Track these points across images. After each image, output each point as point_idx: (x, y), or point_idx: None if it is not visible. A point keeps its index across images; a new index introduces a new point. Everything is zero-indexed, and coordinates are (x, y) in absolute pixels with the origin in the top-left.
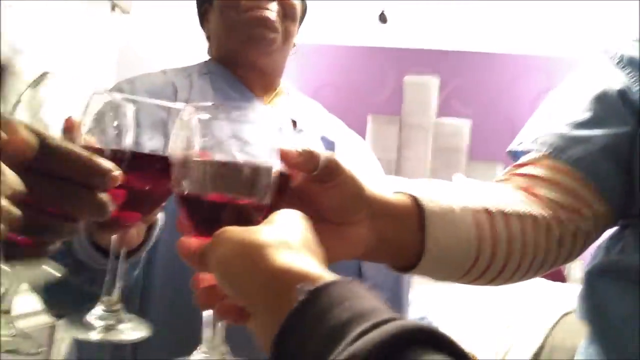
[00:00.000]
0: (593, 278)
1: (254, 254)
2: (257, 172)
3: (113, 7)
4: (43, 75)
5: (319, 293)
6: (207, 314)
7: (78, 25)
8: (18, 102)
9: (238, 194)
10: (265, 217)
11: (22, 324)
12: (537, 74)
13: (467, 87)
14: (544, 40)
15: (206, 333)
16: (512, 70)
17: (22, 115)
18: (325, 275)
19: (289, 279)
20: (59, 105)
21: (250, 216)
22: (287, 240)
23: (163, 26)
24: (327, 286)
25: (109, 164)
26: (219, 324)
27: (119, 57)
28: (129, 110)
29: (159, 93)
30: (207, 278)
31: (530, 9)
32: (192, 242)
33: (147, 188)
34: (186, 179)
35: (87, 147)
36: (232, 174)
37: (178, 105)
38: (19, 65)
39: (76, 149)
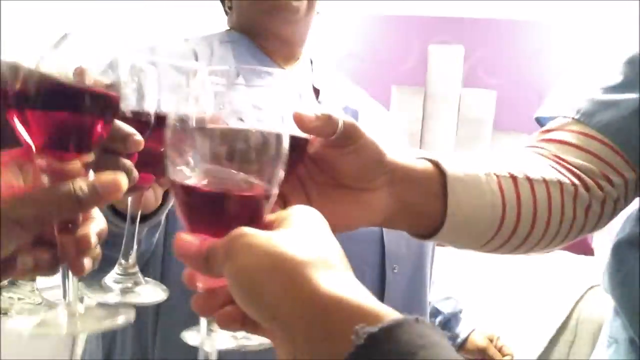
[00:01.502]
0: (621, 250)
1: (292, 273)
2: (267, 142)
3: None
4: (64, 37)
5: (385, 338)
6: None
7: None
8: (40, 60)
9: (246, 172)
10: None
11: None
12: (565, 42)
13: (493, 56)
14: (571, 8)
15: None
16: (539, 39)
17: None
18: (384, 311)
19: (343, 314)
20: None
21: (262, 207)
22: (325, 256)
23: None
24: (394, 329)
25: (129, 128)
26: None
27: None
28: (149, 72)
29: (180, 60)
30: (207, 281)
31: None
32: (193, 240)
33: (160, 150)
34: (184, 153)
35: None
36: (238, 147)
37: (197, 66)
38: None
39: None
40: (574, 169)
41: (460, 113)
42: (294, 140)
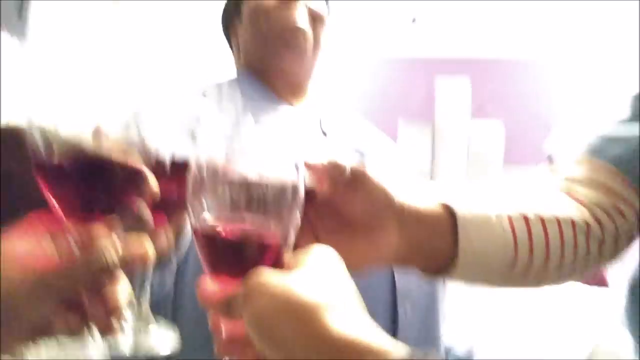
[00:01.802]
0: (638, 287)
1: (305, 316)
2: (284, 190)
3: None
4: (83, 96)
5: None
6: None
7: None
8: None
9: (264, 218)
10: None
11: None
12: (571, 77)
13: (500, 92)
14: (577, 45)
15: None
16: (546, 76)
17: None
18: (393, 348)
19: (354, 354)
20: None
21: (279, 249)
22: (338, 298)
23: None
24: None
25: (148, 176)
26: None
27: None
28: (155, 117)
29: (189, 102)
30: (229, 324)
31: (562, 14)
32: (215, 287)
33: (173, 193)
34: (204, 201)
35: (114, 150)
36: (257, 196)
37: (206, 111)
38: None
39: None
40: (585, 204)
41: (469, 146)
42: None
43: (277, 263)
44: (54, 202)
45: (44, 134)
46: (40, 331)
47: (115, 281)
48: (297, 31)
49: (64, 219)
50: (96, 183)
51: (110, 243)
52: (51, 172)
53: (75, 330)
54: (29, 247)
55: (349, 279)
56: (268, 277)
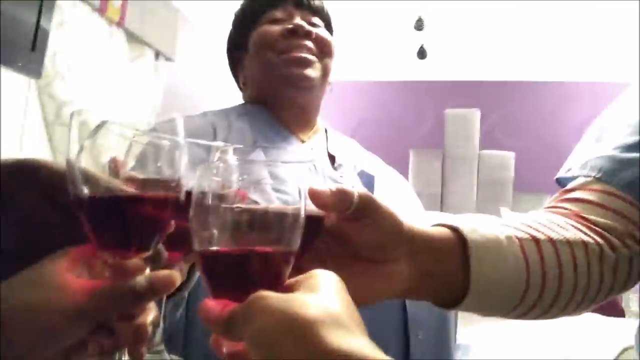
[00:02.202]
0: None
1: (304, 332)
2: (285, 218)
3: (157, 55)
4: (101, 124)
5: None
6: None
7: (126, 71)
8: (80, 150)
9: (264, 244)
10: (293, 264)
11: None
12: (581, 100)
13: (510, 118)
14: (585, 66)
15: None
16: (555, 99)
17: (85, 162)
18: None
19: None
20: (116, 150)
21: (280, 270)
22: (337, 316)
23: (204, 72)
24: None
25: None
26: None
27: (163, 100)
28: (171, 150)
29: (199, 134)
30: (229, 343)
31: (570, 34)
32: (216, 305)
33: (187, 228)
34: (207, 226)
35: (130, 182)
36: (257, 222)
37: (217, 144)
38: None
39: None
40: (598, 229)
41: (480, 175)
42: (309, 216)
43: (279, 285)
44: (92, 235)
45: (84, 171)
46: (74, 353)
47: (145, 310)
48: (302, 61)
49: (102, 252)
50: (133, 219)
51: (144, 276)
52: (92, 208)
53: (106, 355)
54: (69, 274)
55: (350, 301)
56: (268, 298)
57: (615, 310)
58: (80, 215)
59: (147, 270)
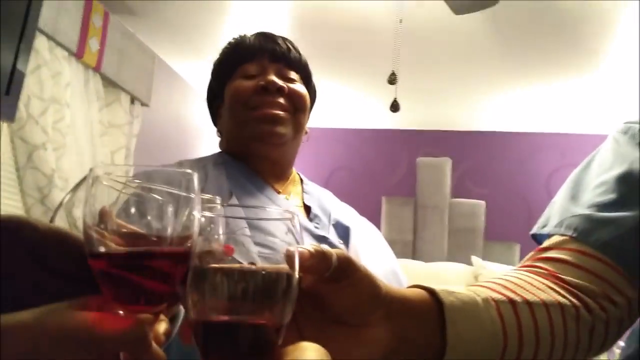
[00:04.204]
0: None
1: None
2: (278, 283)
3: (132, 100)
4: (83, 179)
5: None
6: None
7: (100, 115)
8: (59, 206)
9: (255, 312)
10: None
11: None
12: (550, 151)
13: (480, 167)
14: (555, 117)
15: None
16: (524, 149)
17: (60, 216)
18: None
19: None
20: (100, 200)
21: (271, 339)
22: None
23: (179, 117)
24: None
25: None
26: None
27: (137, 145)
28: (157, 202)
29: (176, 184)
30: None
31: (538, 87)
32: None
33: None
34: (205, 296)
35: (119, 231)
36: (250, 287)
37: (206, 196)
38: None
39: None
40: (574, 290)
41: (451, 223)
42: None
43: (269, 354)
44: (106, 291)
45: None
46: None
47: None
48: (273, 118)
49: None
50: (144, 279)
51: (153, 323)
52: (106, 264)
53: None
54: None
55: None
56: None
57: None
58: (94, 269)
59: (163, 326)
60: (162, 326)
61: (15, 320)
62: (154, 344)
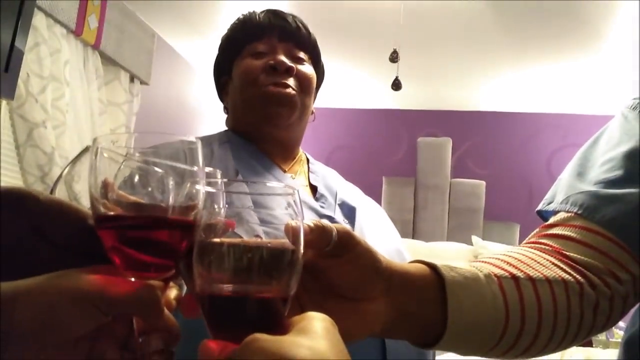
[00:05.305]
0: (632, 348)
1: None
2: (282, 255)
3: (132, 78)
4: (82, 152)
5: None
6: None
7: (101, 93)
8: (59, 178)
9: (261, 284)
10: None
11: None
12: (552, 131)
13: (481, 147)
14: (557, 98)
15: None
16: (526, 129)
17: (59, 190)
18: None
19: None
20: (101, 173)
21: (278, 313)
22: (325, 356)
23: (178, 96)
24: None
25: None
26: None
27: (137, 124)
28: (158, 175)
29: (179, 159)
30: None
31: (541, 67)
32: (215, 346)
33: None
34: (212, 270)
35: (119, 204)
36: (255, 261)
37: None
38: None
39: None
40: (578, 267)
41: (452, 203)
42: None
43: (277, 326)
44: (114, 257)
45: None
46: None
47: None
48: (281, 98)
49: (124, 272)
50: (151, 241)
51: (162, 290)
52: (114, 227)
53: None
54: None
55: (342, 344)
56: (261, 340)
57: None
58: (100, 233)
59: (174, 292)
60: (172, 292)
61: (29, 284)
62: (166, 310)
